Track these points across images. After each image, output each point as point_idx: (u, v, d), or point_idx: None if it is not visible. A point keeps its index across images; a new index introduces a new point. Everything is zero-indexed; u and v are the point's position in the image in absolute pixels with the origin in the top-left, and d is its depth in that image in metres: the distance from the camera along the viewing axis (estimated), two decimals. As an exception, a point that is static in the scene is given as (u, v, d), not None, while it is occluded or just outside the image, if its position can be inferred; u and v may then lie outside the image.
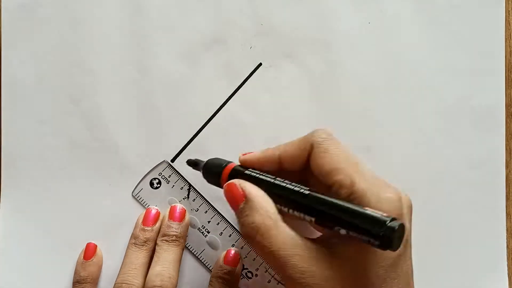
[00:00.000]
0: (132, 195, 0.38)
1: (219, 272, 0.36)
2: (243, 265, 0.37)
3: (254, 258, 0.37)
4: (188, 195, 0.38)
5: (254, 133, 0.39)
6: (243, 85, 0.39)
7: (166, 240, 0.36)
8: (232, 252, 0.37)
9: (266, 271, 0.37)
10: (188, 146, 0.39)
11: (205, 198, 0.38)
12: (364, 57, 0.39)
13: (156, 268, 0.35)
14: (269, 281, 0.37)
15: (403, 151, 0.38)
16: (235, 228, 0.38)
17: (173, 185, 0.38)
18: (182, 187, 0.38)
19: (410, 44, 0.39)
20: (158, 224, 0.37)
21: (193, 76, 0.39)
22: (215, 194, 0.38)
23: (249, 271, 0.37)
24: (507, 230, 0.39)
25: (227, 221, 0.38)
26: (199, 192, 0.38)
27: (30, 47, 0.39)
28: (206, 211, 0.38)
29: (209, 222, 0.38)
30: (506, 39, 0.39)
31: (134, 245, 0.36)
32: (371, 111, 0.38)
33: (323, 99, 0.39)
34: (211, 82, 0.39)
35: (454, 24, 0.38)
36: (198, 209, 0.38)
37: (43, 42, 0.39)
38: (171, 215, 0.37)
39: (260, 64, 0.39)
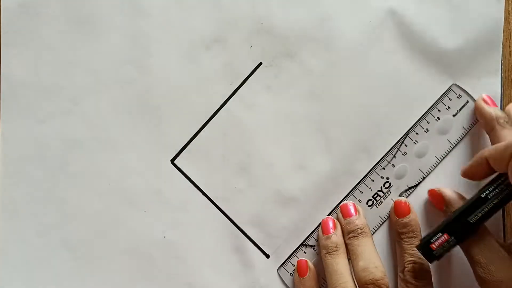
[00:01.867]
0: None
1: (399, 228, 0.36)
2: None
3: None
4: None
5: (254, 133, 0.39)
6: (243, 85, 0.39)
7: (354, 236, 0.36)
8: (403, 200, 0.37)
9: None
10: (188, 146, 0.39)
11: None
12: (364, 57, 0.39)
13: (359, 264, 0.35)
14: None
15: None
16: None
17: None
18: None
19: (410, 44, 0.39)
20: (339, 228, 0.37)
21: (193, 75, 0.39)
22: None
23: None
24: (506, 229, 0.39)
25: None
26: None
27: (30, 46, 0.39)
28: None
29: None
30: (506, 39, 0.39)
31: (328, 254, 0.36)
32: (371, 111, 0.39)
33: (323, 99, 0.39)
34: (211, 81, 0.39)
35: (454, 24, 0.38)
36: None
37: (43, 42, 0.39)
38: (346, 213, 0.37)
39: (260, 64, 0.39)
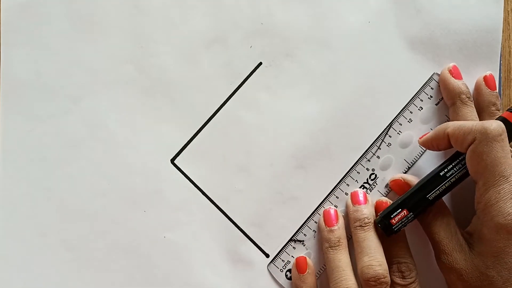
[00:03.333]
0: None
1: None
2: None
3: None
4: None
5: (254, 132, 0.39)
6: (243, 85, 0.39)
7: (361, 226, 0.36)
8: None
9: None
10: (188, 146, 0.39)
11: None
12: (364, 57, 0.39)
13: (363, 259, 0.35)
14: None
15: (402, 151, 0.39)
16: None
17: None
18: None
19: (410, 44, 0.39)
20: (341, 220, 0.37)
21: (193, 75, 0.39)
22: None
23: None
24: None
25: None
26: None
27: (30, 46, 0.39)
28: None
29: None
30: (505, 39, 0.39)
31: (330, 249, 0.36)
32: (371, 111, 0.39)
33: (323, 98, 0.39)
34: (211, 81, 0.39)
35: (453, 24, 0.38)
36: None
37: (43, 41, 0.39)
38: (355, 200, 0.37)
39: (260, 64, 0.39)
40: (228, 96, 0.39)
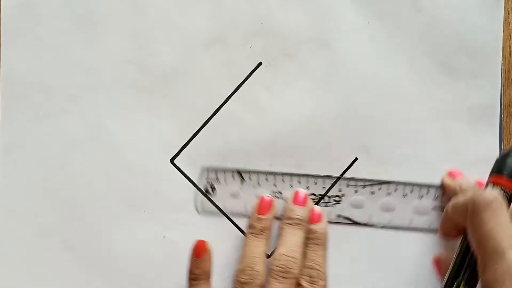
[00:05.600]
0: (197, 210, 0.39)
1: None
2: None
3: None
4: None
5: (254, 133, 0.39)
6: (243, 85, 0.39)
7: (290, 224, 0.36)
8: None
9: None
10: (188, 146, 0.39)
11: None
12: (364, 57, 0.39)
13: (281, 249, 0.35)
14: None
15: (402, 151, 0.39)
16: None
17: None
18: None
19: (409, 43, 0.39)
20: (272, 212, 0.38)
21: (193, 75, 0.39)
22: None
23: None
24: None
25: None
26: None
27: (30, 45, 0.39)
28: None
29: None
30: (506, 39, 0.39)
31: (252, 235, 0.37)
32: (370, 111, 0.39)
33: (323, 99, 0.39)
34: (211, 81, 0.39)
35: (453, 24, 0.38)
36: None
37: (42, 41, 0.39)
38: (295, 200, 0.37)
39: (260, 63, 0.39)
40: (228, 96, 0.39)
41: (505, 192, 0.32)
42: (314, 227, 0.37)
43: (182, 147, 0.39)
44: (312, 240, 0.37)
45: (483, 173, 0.38)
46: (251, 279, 0.35)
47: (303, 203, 0.37)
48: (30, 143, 0.39)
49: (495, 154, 0.38)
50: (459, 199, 0.32)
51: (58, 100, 0.39)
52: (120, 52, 0.39)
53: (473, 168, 0.38)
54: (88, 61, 0.39)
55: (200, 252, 0.36)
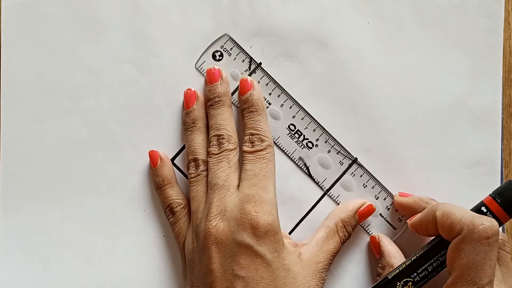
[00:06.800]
0: (195, 66, 0.38)
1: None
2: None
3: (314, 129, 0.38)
4: (249, 67, 0.38)
5: (254, 133, 0.39)
6: (243, 85, 0.39)
7: (212, 105, 0.37)
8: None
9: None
10: (188, 146, 0.39)
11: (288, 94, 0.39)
12: (364, 57, 0.39)
13: (212, 127, 0.37)
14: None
15: (402, 151, 0.39)
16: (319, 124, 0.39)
17: (235, 58, 0.39)
18: (243, 60, 0.38)
19: (410, 43, 0.39)
20: (200, 102, 0.38)
21: (193, 75, 0.39)
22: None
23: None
24: (505, 230, 0.39)
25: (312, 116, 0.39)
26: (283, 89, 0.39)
27: (30, 46, 0.39)
28: (291, 106, 0.39)
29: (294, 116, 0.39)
30: (506, 39, 0.39)
31: (185, 131, 0.38)
32: (370, 111, 0.39)
33: (322, 99, 0.39)
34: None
35: (453, 24, 0.38)
36: (283, 105, 0.39)
37: (43, 41, 0.39)
38: (209, 79, 0.38)
39: (260, 64, 0.39)
40: (228, 96, 0.39)
41: (497, 220, 0.32)
42: (245, 96, 0.37)
43: (182, 147, 0.39)
44: (247, 109, 0.37)
45: (483, 173, 0.38)
46: (197, 168, 0.36)
47: (217, 78, 0.37)
48: (30, 143, 0.39)
49: (495, 154, 0.38)
50: (456, 213, 0.31)
51: (58, 100, 0.39)
52: (121, 52, 0.39)
53: (473, 168, 0.38)
54: (88, 61, 0.39)
55: (155, 161, 0.38)
